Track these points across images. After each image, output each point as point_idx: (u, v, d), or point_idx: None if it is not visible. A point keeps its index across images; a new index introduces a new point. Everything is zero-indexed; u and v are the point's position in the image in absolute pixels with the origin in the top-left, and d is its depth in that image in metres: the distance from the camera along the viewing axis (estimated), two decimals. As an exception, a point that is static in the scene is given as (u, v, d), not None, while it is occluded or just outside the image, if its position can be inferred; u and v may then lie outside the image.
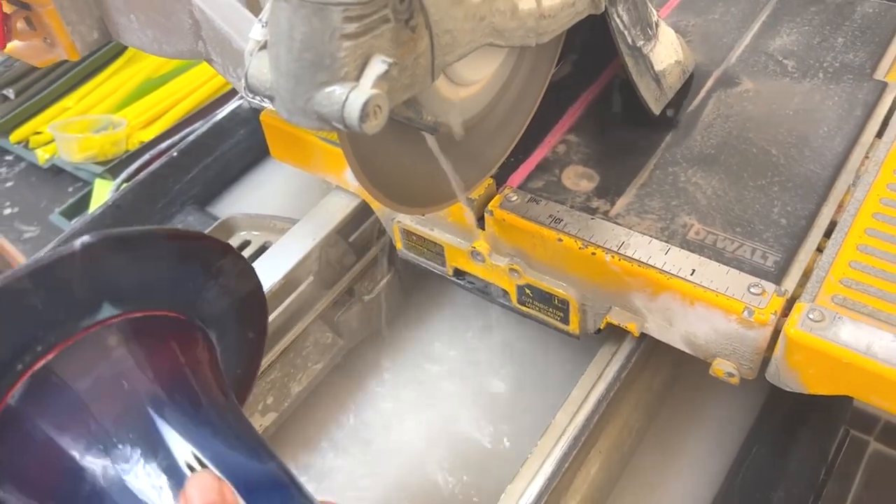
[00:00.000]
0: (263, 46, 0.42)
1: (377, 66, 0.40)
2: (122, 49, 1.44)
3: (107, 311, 0.40)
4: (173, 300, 0.43)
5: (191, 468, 0.38)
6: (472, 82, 0.54)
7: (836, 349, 0.51)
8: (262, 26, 0.43)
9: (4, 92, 1.37)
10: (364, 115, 0.39)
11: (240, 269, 0.48)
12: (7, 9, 0.54)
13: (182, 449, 0.38)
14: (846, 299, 0.55)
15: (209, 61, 0.56)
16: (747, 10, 0.81)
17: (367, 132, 0.40)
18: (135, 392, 0.39)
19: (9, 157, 1.37)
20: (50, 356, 0.39)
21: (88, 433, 0.38)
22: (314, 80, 0.39)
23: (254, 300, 0.50)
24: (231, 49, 0.53)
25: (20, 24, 0.56)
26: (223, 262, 0.47)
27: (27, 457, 0.39)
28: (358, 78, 0.40)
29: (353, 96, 0.39)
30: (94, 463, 0.38)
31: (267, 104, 0.50)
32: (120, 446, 0.38)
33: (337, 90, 0.39)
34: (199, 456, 0.38)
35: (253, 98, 0.53)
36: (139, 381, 0.40)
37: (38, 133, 1.35)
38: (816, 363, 0.53)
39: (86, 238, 0.38)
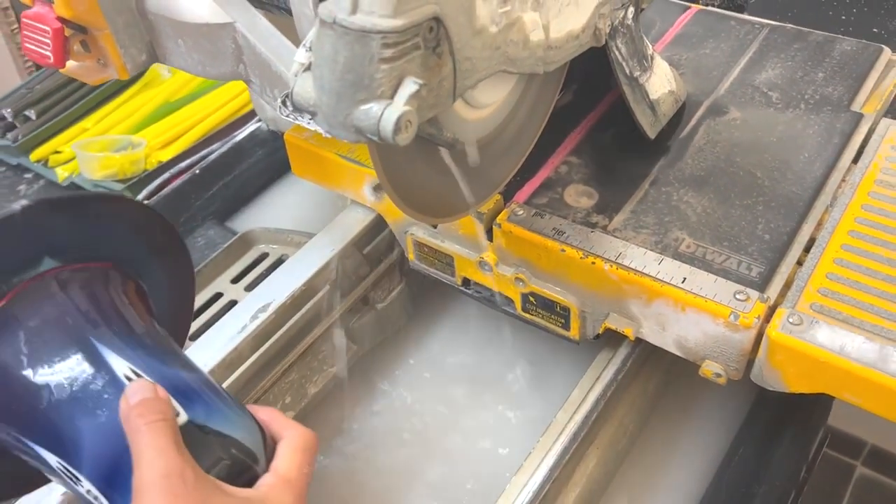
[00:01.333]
0: (307, 68, 0.48)
1: (409, 87, 0.46)
2: (140, 73, 1.50)
3: (48, 263, 0.49)
4: (105, 253, 0.52)
5: (128, 379, 0.45)
6: (485, 105, 0.60)
7: (812, 349, 0.57)
8: (307, 50, 0.48)
9: (26, 113, 1.42)
10: (397, 128, 0.45)
11: (161, 225, 0.56)
12: (66, 32, 0.60)
13: (120, 365, 0.46)
14: (823, 306, 0.60)
15: (247, 82, 0.62)
16: (736, 46, 0.88)
17: (400, 143, 0.45)
18: (77, 326, 0.47)
19: (28, 175, 1.43)
20: (3, 302, 0.47)
21: (41, 360, 0.46)
22: (354, 98, 0.45)
23: (176, 251, 0.58)
24: (270, 71, 0.58)
25: (76, 47, 0.62)
26: (144, 219, 0.56)
27: None
28: (392, 96, 0.45)
29: (388, 112, 0.45)
30: (48, 381, 0.45)
31: (301, 121, 0.55)
32: (69, 367, 0.46)
33: (374, 107, 0.45)
34: (135, 369, 0.46)
35: (288, 115, 0.58)
36: (79, 317, 0.48)
37: (57, 152, 1.40)
38: (795, 363, 0.58)
39: (24, 201, 0.47)
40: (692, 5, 0.95)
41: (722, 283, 0.62)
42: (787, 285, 0.63)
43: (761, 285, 0.62)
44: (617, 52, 0.68)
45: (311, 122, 0.49)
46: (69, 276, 0.49)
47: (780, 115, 0.78)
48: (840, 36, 0.88)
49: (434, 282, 0.79)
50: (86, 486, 0.43)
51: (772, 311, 0.60)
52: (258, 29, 0.58)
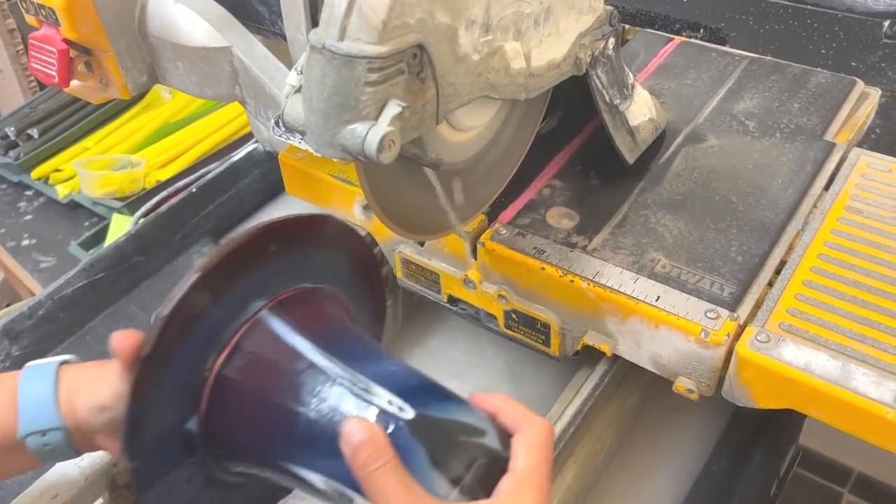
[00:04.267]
0: (298, 90, 0.51)
1: (393, 109, 0.49)
2: (141, 95, 1.53)
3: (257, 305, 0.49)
4: (304, 276, 0.51)
5: (362, 393, 0.45)
6: (469, 128, 0.63)
7: (779, 366, 0.59)
8: (298, 73, 0.51)
9: (29, 132, 1.46)
10: (381, 147, 0.48)
11: (348, 236, 0.55)
12: (71, 53, 0.63)
13: (353, 377, 0.46)
14: (791, 325, 0.63)
15: (242, 103, 0.65)
16: (716, 77, 0.91)
17: (383, 162, 0.48)
18: (304, 351, 0.48)
19: (29, 192, 1.46)
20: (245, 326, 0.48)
21: (293, 391, 0.46)
22: (341, 119, 0.48)
23: (368, 263, 0.57)
24: (264, 94, 0.61)
25: (81, 67, 0.65)
26: (333, 235, 0.54)
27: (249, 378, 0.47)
28: (376, 118, 0.48)
29: (373, 132, 0.48)
30: (301, 409, 0.46)
31: (293, 140, 0.58)
32: (314, 391, 0.46)
33: (359, 127, 0.48)
34: (364, 381, 0.46)
35: (281, 135, 0.61)
36: (305, 340, 0.48)
37: (58, 170, 1.44)
38: (763, 379, 0.60)
39: (203, 262, 0.46)
40: (675, 37, 0.98)
41: (694, 301, 0.64)
42: (758, 305, 0.65)
43: (732, 305, 0.65)
44: (597, 81, 0.71)
45: (303, 141, 0.52)
46: (280, 307, 0.49)
47: (756, 143, 0.82)
48: (816, 69, 0.91)
49: (422, 299, 0.81)
50: (359, 502, 0.43)
51: (741, 329, 0.63)
52: (254, 53, 0.61)
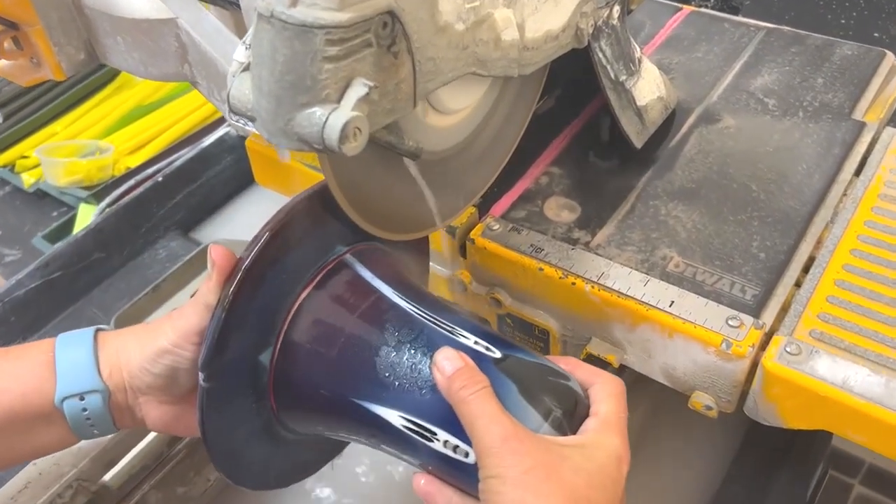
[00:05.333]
0: (246, 68, 0.42)
1: (358, 89, 0.40)
2: (112, 76, 1.45)
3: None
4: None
5: (443, 331, 0.46)
6: (455, 111, 0.55)
7: (813, 383, 0.52)
8: (246, 48, 0.43)
9: (-7, 115, 1.37)
10: (344, 136, 0.39)
11: None
12: (-6, 28, 0.55)
13: (432, 318, 0.47)
14: (823, 333, 0.55)
15: (194, 84, 0.57)
16: (730, 50, 0.83)
17: (347, 153, 0.40)
18: (387, 294, 0.49)
19: (-7, 180, 1.37)
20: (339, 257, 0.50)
21: (374, 326, 0.47)
22: (295, 102, 0.40)
23: None
24: (217, 72, 0.53)
25: (7, 44, 0.57)
26: None
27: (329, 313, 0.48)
28: (339, 100, 0.40)
29: (334, 118, 0.39)
30: (381, 344, 0.47)
31: (250, 126, 0.50)
32: (397, 327, 0.47)
33: (318, 111, 0.40)
34: (440, 320, 0.47)
35: (237, 121, 0.53)
36: (389, 285, 0.49)
37: (24, 157, 1.35)
38: (793, 396, 0.53)
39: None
40: (684, 6, 0.90)
41: (713, 307, 0.57)
42: (784, 309, 0.57)
43: (756, 309, 0.57)
44: (601, 55, 0.63)
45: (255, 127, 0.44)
46: (360, 254, 0.51)
47: (776, 123, 0.73)
48: (840, 40, 0.83)
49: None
50: (442, 437, 0.44)
51: (767, 338, 0.55)
52: (203, 25, 0.53)
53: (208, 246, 0.47)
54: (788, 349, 0.53)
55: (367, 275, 0.50)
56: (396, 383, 0.45)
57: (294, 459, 0.54)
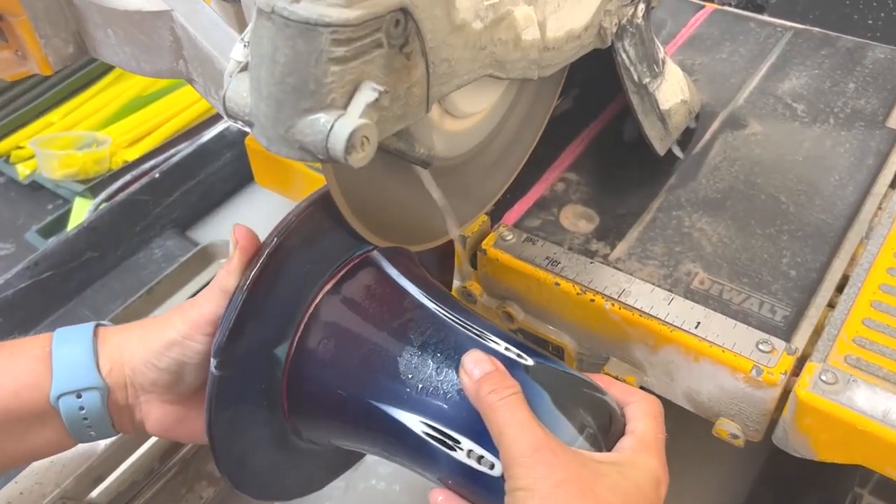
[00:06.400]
0: (244, 68, 0.39)
1: (367, 94, 0.37)
2: (110, 65, 1.41)
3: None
4: None
5: (472, 336, 0.44)
6: (469, 114, 0.51)
7: (850, 415, 0.48)
8: (245, 46, 0.39)
9: (-13, 104, 1.34)
10: (350, 146, 0.36)
11: None
12: (-24, 18, 0.51)
13: (458, 321, 0.45)
14: (860, 360, 0.51)
15: (190, 81, 0.53)
16: (756, 51, 0.79)
17: (353, 165, 0.36)
18: (413, 293, 0.47)
19: (-13, 172, 1.34)
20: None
21: (398, 327, 0.45)
22: (297, 107, 0.36)
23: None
24: (213, 70, 0.49)
25: (-10, 35, 0.53)
26: None
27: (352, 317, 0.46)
28: (345, 106, 0.36)
29: (339, 125, 0.36)
30: (404, 347, 0.44)
31: (247, 130, 0.46)
32: (422, 330, 0.45)
33: (322, 118, 0.36)
34: (471, 324, 0.45)
35: (234, 122, 0.49)
36: (414, 286, 0.48)
37: (20, 147, 1.31)
38: (829, 429, 0.49)
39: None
40: (707, 4, 0.86)
41: (742, 329, 0.53)
42: (817, 332, 0.54)
43: (786, 332, 0.53)
44: (624, 55, 0.59)
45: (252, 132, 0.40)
46: (386, 252, 0.49)
47: (806, 130, 0.69)
48: (872, 42, 0.79)
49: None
50: (466, 445, 0.41)
51: (800, 364, 0.52)
52: (199, 19, 0.49)
53: (234, 227, 0.46)
54: (823, 377, 0.50)
55: (393, 273, 0.48)
56: (420, 386, 0.43)
57: (301, 470, 0.51)
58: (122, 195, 0.89)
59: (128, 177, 1.07)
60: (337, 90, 0.36)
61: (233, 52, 0.40)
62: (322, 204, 0.44)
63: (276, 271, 0.43)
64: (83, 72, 1.40)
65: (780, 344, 0.52)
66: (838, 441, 0.49)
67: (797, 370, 0.51)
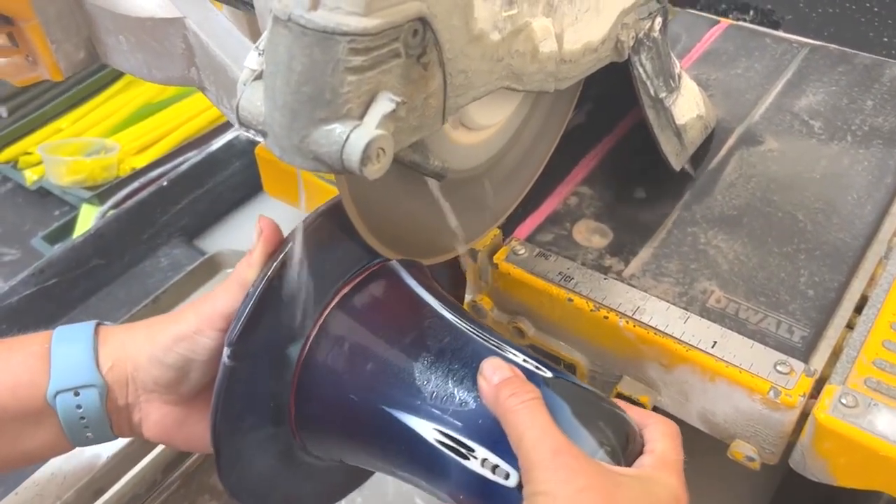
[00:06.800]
0: (259, 76, 0.38)
1: (384, 105, 0.36)
2: (120, 72, 1.40)
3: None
4: None
5: (486, 344, 0.44)
6: (484, 127, 0.50)
7: (871, 440, 0.47)
8: (259, 54, 0.39)
9: (-3, 110, 1.33)
10: (366, 157, 0.35)
11: None
12: (-13, 22, 0.51)
13: (474, 331, 0.45)
14: (881, 383, 0.50)
15: (202, 89, 0.52)
16: (772, 67, 0.78)
17: (369, 177, 0.35)
18: (428, 302, 0.47)
19: (-5, 177, 1.33)
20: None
21: (414, 335, 0.45)
22: (312, 117, 0.35)
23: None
24: (226, 78, 0.48)
25: (1, 40, 0.52)
26: None
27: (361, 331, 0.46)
28: (361, 116, 0.36)
29: (356, 136, 0.35)
30: (420, 355, 0.44)
31: (259, 140, 0.45)
32: (437, 338, 0.45)
33: (337, 128, 0.35)
34: (485, 335, 0.45)
35: (247, 131, 0.49)
36: (429, 295, 0.48)
37: (27, 153, 1.31)
38: (849, 453, 0.48)
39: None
40: (722, 19, 0.85)
41: (760, 349, 0.52)
42: (836, 354, 0.53)
43: (805, 353, 0.52)
44: (641, 69, 0.58)
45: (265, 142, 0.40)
46: (405, 263, 0.49)
47: (823, 147, 0.68)
48: (890, 60, 0.78)
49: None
50: (481, 454, 0.40)
51: (819, 386, 0.50)
52: (212, 26, 0.48)
53: (258, 217, 0.46)
54: (844, 401, 0.48)
55: (411, 282, 0.48)
56: (435, 392, 0.42)
57: (301, 486, 0.50)
58: (129, 202, 0.88)
59: (136, 184, 1.06)
60: (353, 100, 0.35)
61: (247, 60, 0.39)
62: (338, 211, 0.44)
63: (300, 263, 0.43)
64: (93, 78, 1.40)
65: (798, 365, 0.51)
66: (858, 466, 0.48)
67: (815, 392, 0.50)
